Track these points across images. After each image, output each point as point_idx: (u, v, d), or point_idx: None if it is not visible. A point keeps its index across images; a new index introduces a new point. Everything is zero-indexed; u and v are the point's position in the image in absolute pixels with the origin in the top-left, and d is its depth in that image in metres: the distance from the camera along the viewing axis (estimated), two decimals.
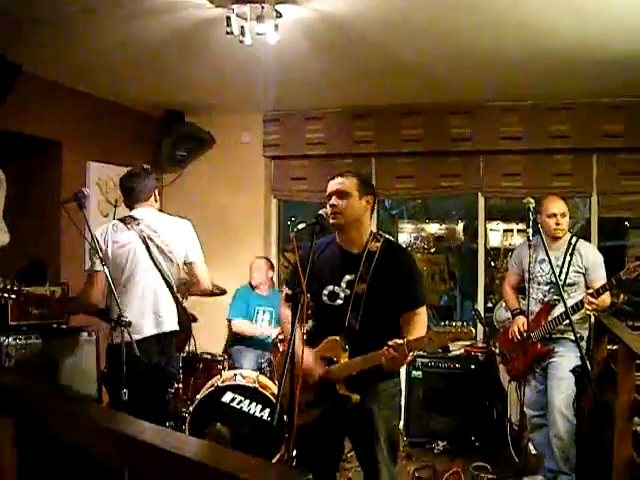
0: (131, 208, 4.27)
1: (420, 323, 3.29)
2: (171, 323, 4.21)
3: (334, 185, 3.35)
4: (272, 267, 6.55)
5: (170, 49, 4.82)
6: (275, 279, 7.14)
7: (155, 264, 4.14)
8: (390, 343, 3.06)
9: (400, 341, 3.05)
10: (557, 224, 4.70)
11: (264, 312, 6.20)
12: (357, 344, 3.24)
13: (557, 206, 4.72)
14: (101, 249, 3.95)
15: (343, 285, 3.33)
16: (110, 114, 6.44)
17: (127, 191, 4.26)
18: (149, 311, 4.11)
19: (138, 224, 4.15)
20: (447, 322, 3.14)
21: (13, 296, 3.90)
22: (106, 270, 3.77)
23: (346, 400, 3.24)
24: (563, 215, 4.71)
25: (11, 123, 5.23)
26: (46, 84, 5.57)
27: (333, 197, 3.32)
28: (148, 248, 4.13)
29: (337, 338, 3.27)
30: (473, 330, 3.11)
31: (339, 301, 3.33)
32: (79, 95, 5.99)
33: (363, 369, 3.19)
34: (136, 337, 3.81)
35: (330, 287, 3.36)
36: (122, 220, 4.18)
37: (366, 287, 3.27)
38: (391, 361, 3.08)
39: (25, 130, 5.46)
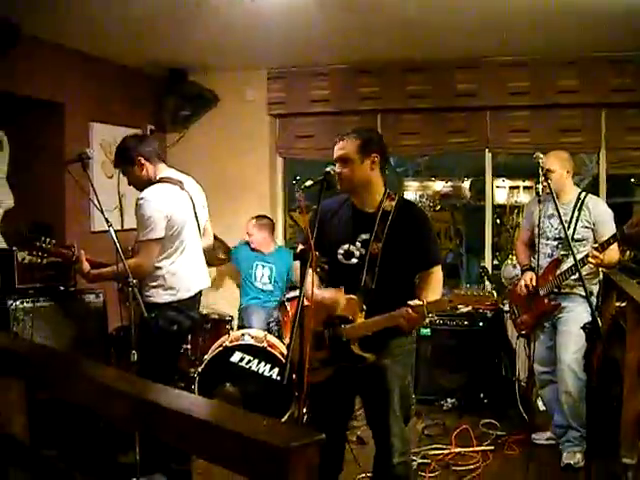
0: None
1: (436, 282, 3.32)
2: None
3: (336, 151, 3.32)
4: (271, 227, 6.46)
5: (172, 6, 4.72)
6: (281, 239, 7.12)
7: (198, 225, 4.23)
8: (411, 304, 3.07)
9: (419, 302, 3.08)
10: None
11: (263, 267, 6.18)
12: (373, 304, 3.24)
13: (543, 163, 4.54)
14: (166, 215, 3.90)
15: (358, 244, 3.32)
16: (112, 75, 6.37)
17: (154, 152, 4.15)
18: (200, 268, 4.27)
19: (182, 186, 4.13)
20: (469, 286, 3.18)
21: (45, 255, 4.09)
22: (172, 233, 3.94)
23: (361, 360, 3.24)
24: (549, 171, 4.43)
25: (13, 85, 5.17)
26: (47, 46, 5.49)
27: (337, 164, 3.28)
28: (194, 209, 4.18)
29: (354, 297, 3.26)
30: (495, 293, 3.14)
31: (354, 260, 3.31)
32: (81, 56, 5.91)
33: (379, 329, 3.19)
34: (190, 293, 4.09)
35: (345, 246, 3.34)
36: (169, 181, 4.09)
37: (381, 246, 3.25)
38: (410, 322, 3.12)
39: (27, 92, 5.39)
